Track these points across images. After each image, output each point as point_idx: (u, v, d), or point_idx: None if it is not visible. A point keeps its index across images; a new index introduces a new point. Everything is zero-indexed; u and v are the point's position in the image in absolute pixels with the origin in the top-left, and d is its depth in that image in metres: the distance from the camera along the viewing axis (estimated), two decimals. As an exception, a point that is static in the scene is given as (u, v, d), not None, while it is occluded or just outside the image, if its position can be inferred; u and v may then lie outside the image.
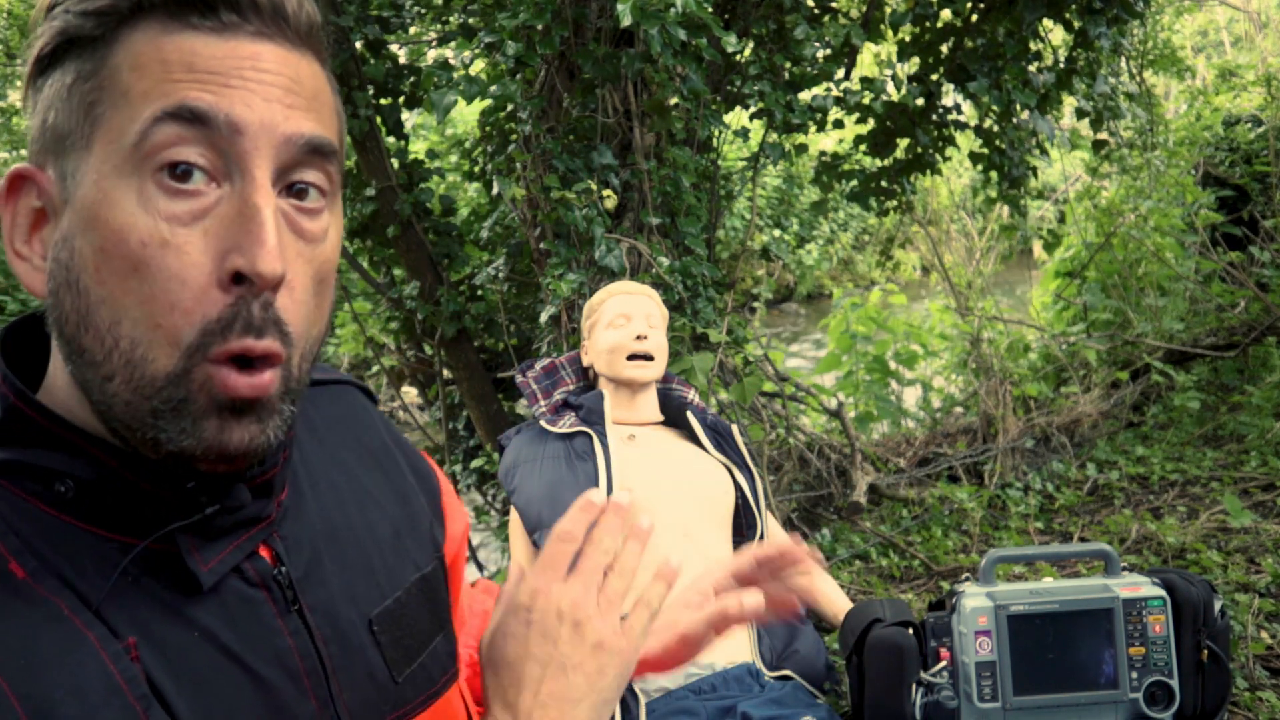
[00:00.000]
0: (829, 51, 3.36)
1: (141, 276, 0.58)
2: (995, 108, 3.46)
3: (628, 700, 1.77)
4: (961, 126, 3.66)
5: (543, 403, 2.20)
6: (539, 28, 2.74)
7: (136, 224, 0.58)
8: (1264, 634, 2.27)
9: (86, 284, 0.59)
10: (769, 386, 3.53)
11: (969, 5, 3.42)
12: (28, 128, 0.65)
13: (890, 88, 3.56)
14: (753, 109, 3.30)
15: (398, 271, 4.27)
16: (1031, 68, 3.52)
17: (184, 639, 0.62)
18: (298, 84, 0.63)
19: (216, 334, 0.59)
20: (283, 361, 0.62)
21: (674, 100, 3.00)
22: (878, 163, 3.79)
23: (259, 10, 0.61)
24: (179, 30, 0.60)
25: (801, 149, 3.66)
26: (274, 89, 0.61)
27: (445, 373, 4.32)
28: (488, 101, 3.64)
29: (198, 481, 0.63)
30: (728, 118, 3.52)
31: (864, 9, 3.58)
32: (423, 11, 4.14)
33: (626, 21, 2.41)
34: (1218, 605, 1.81)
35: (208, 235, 0.59)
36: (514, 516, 2.09)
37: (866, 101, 3.42)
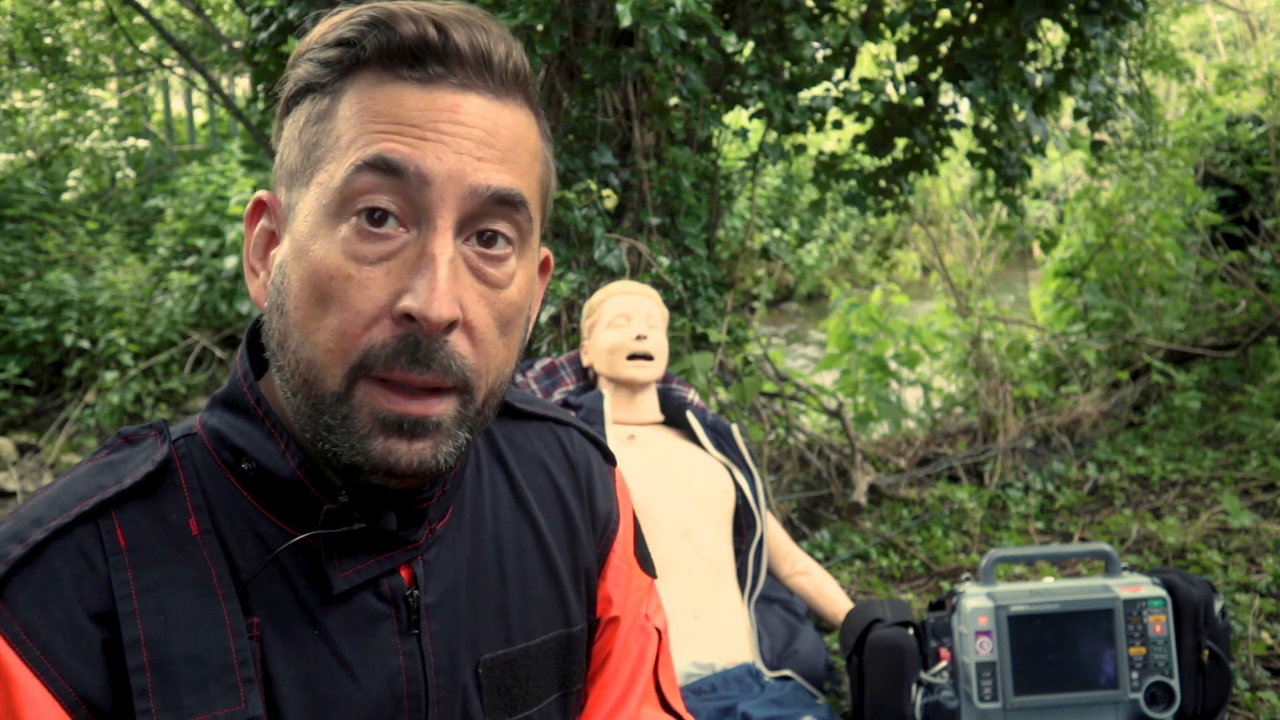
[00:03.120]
0: (828, 52, 3.35)
1: (326, 307, 0.64)
2: (991, 108, 3.45)
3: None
4: (959, 126, 3.66)
5: (542, 403, 2.20)
6: (538, 28, 2.74)
7: (331, 260, 0.64)
8: (1264, 634, 2.27)
9: (288, 309, 0.66)
10: (769, 386, 3.53)
11: (967, 5, 3.41)
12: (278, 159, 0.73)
13: (889, 88, 3.56)
14: (752, 109, 3.30)
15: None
16: (1029, 68, 3.51)
17: (306, 634, 0.68)
18: (494, 135, 0.66)
19: (379, 360, 0.64)
20: (456, 393, 0.66)
21: (674, 100, 2.99)
22: (876, 162, 3.79)
23: (463, 62, 0.66)
24: (390, 81, 0.65)
25: (800, 149, 3.65)
26: (467, 141, 0.65)
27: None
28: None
29: (352, 497, 0.69)
30: (728, 118, 3.51)
31: (863, 9, 3.58)
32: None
33: (626, 21, 2.41)
34: (1218, 605, 1.81)
35: (389, 274, 0.64)
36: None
37: (866, 102, 3.42)
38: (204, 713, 0.63)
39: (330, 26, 0.68)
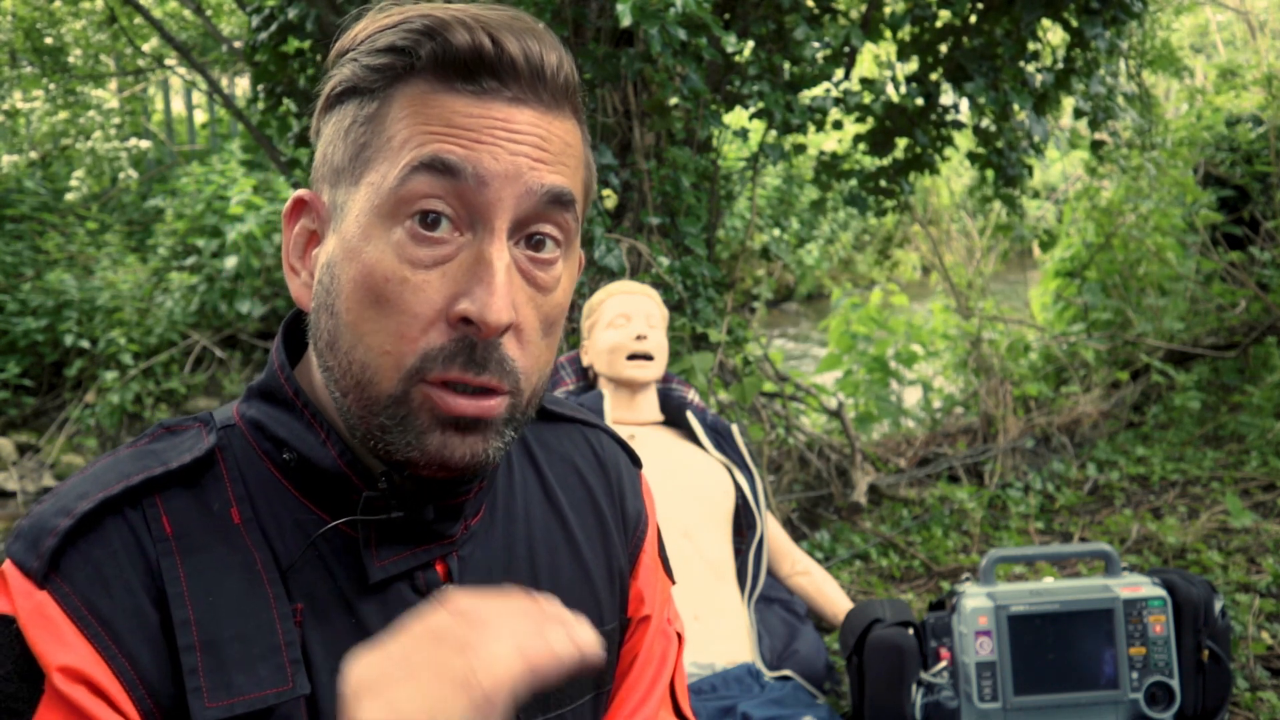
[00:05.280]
0: (828, 52, 3.35)
1: (381, 309, 0.65)
2: (991, 108, 3.46)
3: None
4: (959, 126, 3.66)
5: (543, 403, 2.20)
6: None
7: (385, 263, 0.65)
8: (1264, 634, 2.27)
9: (339, 310, 0.67)
10: (769, 386, 3.53)
11: (968, 6, 3.41)
12: (317, 155, 0.72)
13: (890, 88, 3.56)
14: (752, 109, 3.30)
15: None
16: (1030, 68, 3.52)
17: (342, 622, 0.69)
18: (546, 141, 0.67)
19: (437, 362, 0.65)
20: (507, 393, 0.67)
21: (674, 100, 2.99)
22: (877, 162, 3.79)
23: (518, 77, 0.66)
24: (443, 91, 0.65)
25: (800, 149, 3.65)
26: (522, 146, 0.66)
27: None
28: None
29: (391, 487, 0.69)
30: (728, 118, 3.51)
31: (864, 9, 3.58)
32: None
33: (626, 21, 2.41)
34: (1218, 605, 1.81)
35: (444, 277, 0.65)
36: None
37: (866, 102, 3.42)
38: (254, 692, 0.64)
39: (379, 29, 0.67)
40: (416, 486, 0.71)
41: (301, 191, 0.72)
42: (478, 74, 0.65)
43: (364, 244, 0.65)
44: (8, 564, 0.64)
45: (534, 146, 0.66)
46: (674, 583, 0.94)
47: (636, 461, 0.93)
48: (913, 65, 3.67)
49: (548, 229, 0.68)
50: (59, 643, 0.61)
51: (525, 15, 0.68)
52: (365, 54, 0.67)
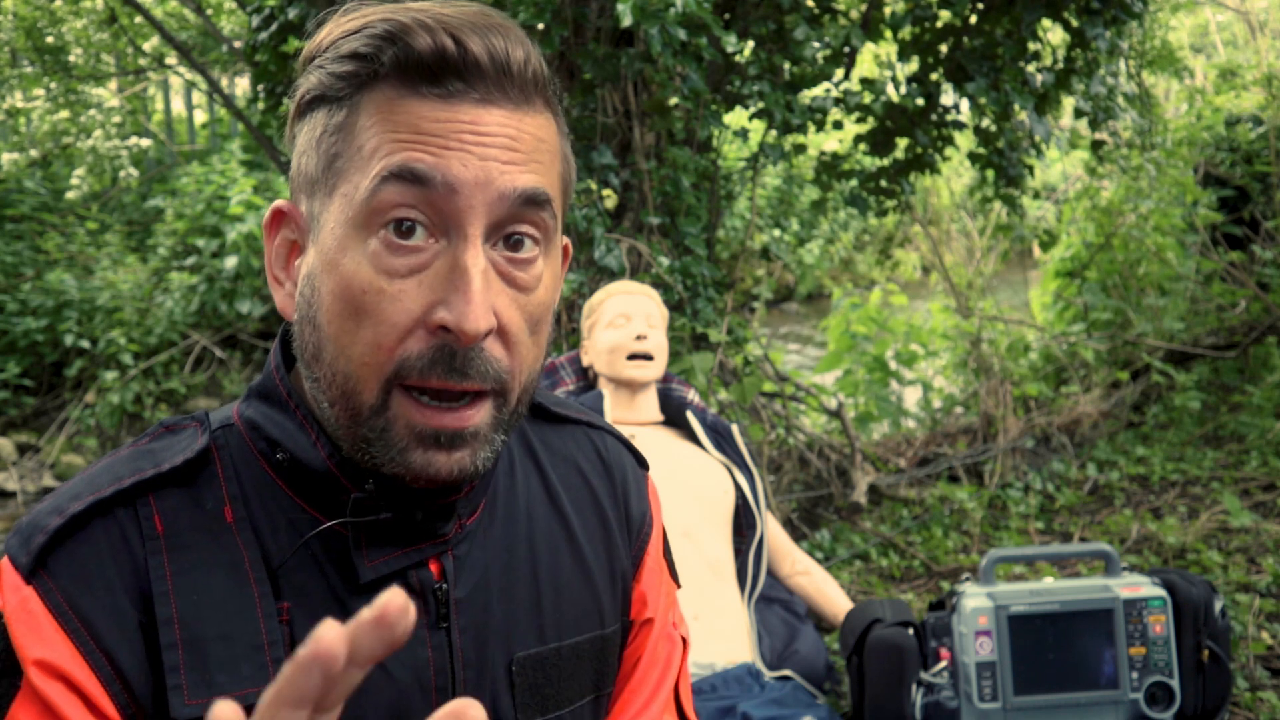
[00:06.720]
0: (829, 52, 3.35)
1: (360, 320, 0.65)
2: (992, 108, 3.46)
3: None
4: (960, 126, 3.66)
5: (543, 403, 2.20)
6: (539, 27, 2.74)
7: (362, 274, 0.64)
8: (1264, 634, 2.27)
9: (321, 322, 0.67)
10: (769, 386, 3.53)
11: (968, 6, 3.41)
12: (293, 166, 0.72)
13: (890, 88, 3.56)
14: (752, 109, 3.30)
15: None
16: (1030, 68, 3.51)
17: (335, 621, 0.67)
18: (517, 140, 0.66)
19: (415, 369, 0.64)
20: (492, 398, 0.67)
21: (674, 100, 2.99)
22: (877, 162, 3.79)
23: (484, 76, 0.65)
24: (409, 96, 0.65)
25: (801, 149, 3.65)
26: (491, 148, 0.65)
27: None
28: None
29: (380, 488, 0.70)
30: (728, 118, 3.51)
31: (864, 9, 3.58)
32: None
33: (626, 21, 2.41)
34: (1218, 605, 1.81)
35: (421, 286, 0.64)
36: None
37: (867, 102, 3.42)
38: (235, 690, 0.64)
39: (343, 34, 0.67)
40: (405, 488, 0.71)
41: (280, 202, 0.72)
42: (442, 77, 0.64)
43: (340, 256, 0.65)
44: (4, 560, 0.66)
45: (504, 148, 0.65)
46: (679, 586, 0.94)
47: (643, 463, 0.92)
48: (913, 65, 3.67)
49: (524, 229, 0.67)
50: (38, 637, 0.63)
51: (490, 10, 0.68)
52: (330, 61, 0.67)
